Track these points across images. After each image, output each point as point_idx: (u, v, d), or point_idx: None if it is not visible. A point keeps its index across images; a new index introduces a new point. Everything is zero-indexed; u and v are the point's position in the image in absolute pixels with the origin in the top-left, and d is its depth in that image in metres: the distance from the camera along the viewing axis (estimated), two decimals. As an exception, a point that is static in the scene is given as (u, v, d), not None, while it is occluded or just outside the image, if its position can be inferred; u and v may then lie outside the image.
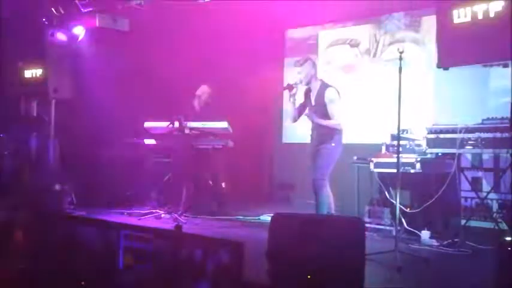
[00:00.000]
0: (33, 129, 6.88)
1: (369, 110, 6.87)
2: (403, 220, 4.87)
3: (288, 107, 5.14)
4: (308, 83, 5.00)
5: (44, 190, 6.08)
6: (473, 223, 4.97)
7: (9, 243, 3.70)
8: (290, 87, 4.96)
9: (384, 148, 5.47)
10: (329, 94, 4.88)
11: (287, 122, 5.26)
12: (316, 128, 4.96)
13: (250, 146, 8.14)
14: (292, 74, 6.36)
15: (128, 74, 7.12)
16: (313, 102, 4.99)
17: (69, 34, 6.71)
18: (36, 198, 5.81)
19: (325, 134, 4.88)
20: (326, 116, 4.87)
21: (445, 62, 4.72)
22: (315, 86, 4.99)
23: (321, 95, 4.92)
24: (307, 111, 4.96)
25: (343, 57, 7.38)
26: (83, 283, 3.29)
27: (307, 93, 5.08)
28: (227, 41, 7.99)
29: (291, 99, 5.00)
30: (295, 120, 5.13)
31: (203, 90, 6.57)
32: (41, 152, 6.85)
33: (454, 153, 4.77)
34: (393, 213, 4.83)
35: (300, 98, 5.10)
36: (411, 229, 4.91)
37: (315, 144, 4.95)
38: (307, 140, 5.14)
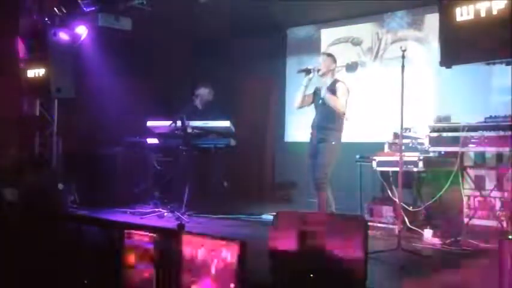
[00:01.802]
0: (36, 129, 6.90)
1: (372, 109, 6.87)
2: (405, 218, 4.86)
3: (299, 91, 5.20)
4: (323, 75, 5.09)
5: (47, 189, 6.10)
6: (476, 221, 4.96)
7: (12, 242, 3.71)
8: (308, 71, 5.07)
9: (386, 146, 5.47)
10: (340, 87, 5.02)
11: (295, 107, 5.32)
12: (320, 120, 4.99)
13: (253, 144, 8.15)
14: (294, 72, 6.36)
15: (130, 73, 7.13)
16: (322, 95, 5.05)
17: (72, 33, 6.73)
18: (39, 197, 5.83)
19: (326, 131, 4.90)
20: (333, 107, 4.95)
21: (447, 60, 4.70)
22: (328, 81, 5.08)
23: (332, 86, 5.04)
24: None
25: (345, 55, 7.37)
26: (85, 282, 3.30)
27: (317, 90, 5.15)
28: (228, 39, 8.00)
29: (305, 83, 5.10)
30: (300, 106, 5.19)
31: (207, 92, 6.58)
32: (43, 151, 6.88)
33: (456, 152, 4.76)
34: (396, 211, 4.83)
35: (311, 88, 5.18)
36: (414, 228, 4.91)
37: (316, 143, 4.97)
38: (309, 138, 5.14)
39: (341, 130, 4.98)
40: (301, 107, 5.23)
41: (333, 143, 4.90)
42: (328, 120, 4.94)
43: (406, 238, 4.63)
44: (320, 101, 5.07)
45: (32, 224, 3.84)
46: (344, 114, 4.99)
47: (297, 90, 5.25)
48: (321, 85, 5.11)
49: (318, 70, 5.07)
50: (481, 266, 3.97)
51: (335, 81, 5.10)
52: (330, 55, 5.31)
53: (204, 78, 6.80)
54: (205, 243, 2.96)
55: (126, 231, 3.35)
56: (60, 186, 6.22)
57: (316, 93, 5.15)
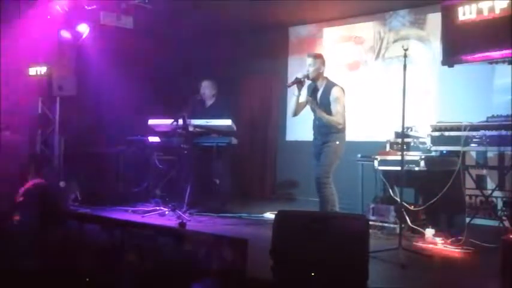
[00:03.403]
0: (38, 127, 6.90)
1: (373, 108, 6.86)
2: (407, 218, 4.86)
3: (292, 100, 5.09)
4: (314, 79, 4.97)
5: (49, 187, 6.10)
6: (477, 221, 4.95)
7: (14, 240, 3.72)
8: (300, 82, 4.91)
9: (388, 146, 5.46)
10: (335, 93, 4.86)
11: (289, 115, 5.21)
12: (320, 126, 4.95)
13: (254, 143, 8.15)
14: (296, 71, 6.36)
15: (132, 72, 7.13)
16: (318, 101, 4.96)
17: (74, 32, 6.73)
18: (41, 196, 5.83)
19: (329, 132, 4.87)
20: (329, 114, 4.85)
21: (449, 59, 4.70)
22: (321, 84, 4.97)
23: (326, 93, 4.90)
24: (310, 102, 4.91)
25: (347, 54, 7.37)
26: (87, 279, 3.30)
27: (314, 91, 5.04)
28: (230, 38, 8.00)
29: (297, 93, 4.96)
30: (295, 114, 5.11)
31: (206, 85, 6.56)
32: (45, 150, 6.88)
33: (458, 151, 4.75)
34: (397, 211, 4.82)
35: (303, 94, 5.07)
36: (415, 227, 4.91)
37: (319, 143, 4.94)
38: (311, 137, 5.13)
39: (344, 130, 4.92)
40: (295, 115, 5.11)
41: (337, 142, 4.86)
42: (328, 125, 4.88)
43: (407, 237, 4.63)
44: (317, 103, 4.93)
45: (33, 222, 3.85)
46: (339, 124, 4.83)
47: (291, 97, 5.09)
48: (315, 87, 5.00)
49: (308, 76, 4.90)
50: (482, 265, 3.97)
51: (328, 87, 4.90)
52: (318, 56, 5.01)
53: (206, 76, 6.79)
54: (206, 241, 2.96)
55: (127, 229, 3.36)
56: (62, 184, 6.23)
57: (314, 92, 5.02)
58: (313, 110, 4.96)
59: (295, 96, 4.99)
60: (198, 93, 6.46)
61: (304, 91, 5.08)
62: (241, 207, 6.38)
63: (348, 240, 3.01)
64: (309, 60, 4.94)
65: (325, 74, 5.04)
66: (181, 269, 2.98)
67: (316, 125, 4.98)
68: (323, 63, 4.99)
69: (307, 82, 5.03)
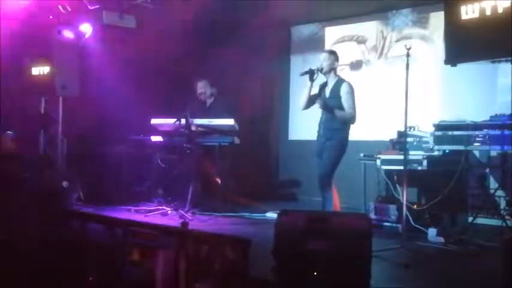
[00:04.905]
0: (41, 127, 6.92)
1: (376, 107, 6.85)
2: (409, 217, 4.85)
3: (304, 92, 5.09)
4: (327, 73, 5.00)
5: (52, 187, 6.12)
6: (480, 220, 4.95)
7: (17, 240, 3.73)
8: (311, 72, 4.94)
9: (390, 145, 5.46)
10: (345, 88, 4.90)
11: (300, 108, 5.22)
12: (324, 124, 4.96)
13: (257, 143, 8.15)
14: (298, 70, 6.35)
15: (134, 71, 7.14)
16: (327, 95, 4.98)
17: (76, 31, 6.74)
18: (44, 195, 5.84)
19: (334, 128, 4.88)
20: (341, 108, 4.88)
21: (452, 58, 4.69)
22: (332, 80, 5.00)
23: (337, 88, 4.94)
24: (319, 102, 4.93)
25: (350, 53, 7.35)
26: (90, 279, 3.31)
27: (323, 86, 5.06)
28: (232, 38, 7.99)
29: (309, 84, 4.99)
30: (307, 107, 5.10)
31: (203, 85, 6.57)
32: (48, 149, 6.90)
33: (461, 150, 4.75)
34: (400, 210, 4.82)
35: (315, 87, 5.08)
36: (418, 226, 4.90)
37: (323, 141, 4.94)
38: (313, 137, 5.13)
39: (348, 130, 4.93)
40: (307, 108, 5.11)
41: (341, 140, 4.86)
42: (335, 120, 4.88)
43: (410, 237, 4.62)
44: (327, 98, 4.95)
45: (36, 221, 3.86)
46: (353, 118, 4.89)
47: (301, 90, 5.13)
48: (325, 83, 5.04)
49: (321, 69, 4.96)
50: (484, 265, 3.96)
51: (338, 83, 4.96)
52: (332, 52, 5.12)
53: (208, 76, 6.80)
54: (208, 241, 2.97)
55: (130, 228, 3.36)
56: (65, 184, 6.24)
57: (321, 93, 5.05)
58: (325, 109, 4.94)
59: (308, 88, 5.01)
60: (196, 93, 6.48)
61: (316, 86, 5.10)
62: (243, 207, 6.37)
63: (351, 239, 3.01)
64: (324, 55, 5.04)
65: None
66: (183, 269, 2.98)
67: (323, 120, 4.98)
68: (337, 59, 5.06)
69: (319, 78, 5.06)
